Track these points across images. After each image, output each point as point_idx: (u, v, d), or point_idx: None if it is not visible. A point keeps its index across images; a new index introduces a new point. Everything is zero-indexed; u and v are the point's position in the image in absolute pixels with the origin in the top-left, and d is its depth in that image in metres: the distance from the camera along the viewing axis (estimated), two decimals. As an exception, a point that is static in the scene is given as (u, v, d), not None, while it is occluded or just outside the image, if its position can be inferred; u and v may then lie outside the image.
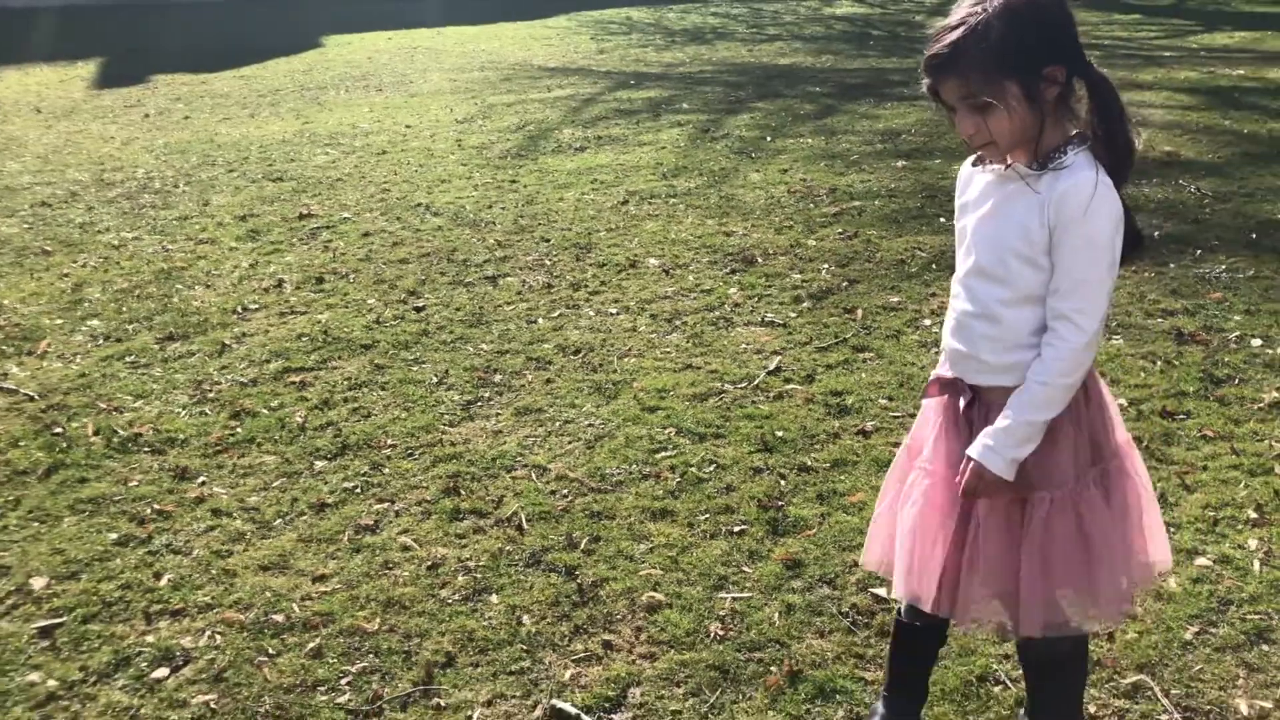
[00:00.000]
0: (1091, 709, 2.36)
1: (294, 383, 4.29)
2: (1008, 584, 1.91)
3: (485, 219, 6.32)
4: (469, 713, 2.49)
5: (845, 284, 4.98)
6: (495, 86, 10.83)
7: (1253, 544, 2.88)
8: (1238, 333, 4.20)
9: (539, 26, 15.95)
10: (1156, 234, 5.34)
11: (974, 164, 1.93)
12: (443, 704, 2.52)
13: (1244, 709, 2.33)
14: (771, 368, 4.14)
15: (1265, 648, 2.52)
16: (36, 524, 3.36)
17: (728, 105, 9.25)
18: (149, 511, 3.41)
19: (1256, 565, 2.79)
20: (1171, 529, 2.95)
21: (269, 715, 2.52)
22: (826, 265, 5.22)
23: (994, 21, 1.75)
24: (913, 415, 2.56)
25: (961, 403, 1.93)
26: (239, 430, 3.92)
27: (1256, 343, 4.10)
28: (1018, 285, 1.84)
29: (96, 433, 3.92)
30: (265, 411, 4.05)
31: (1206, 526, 2.98)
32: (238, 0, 19.37)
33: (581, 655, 2.66)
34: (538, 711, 2.48)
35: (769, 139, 7.90)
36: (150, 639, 2.81)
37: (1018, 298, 1.85)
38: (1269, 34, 11.72)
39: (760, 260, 5.34)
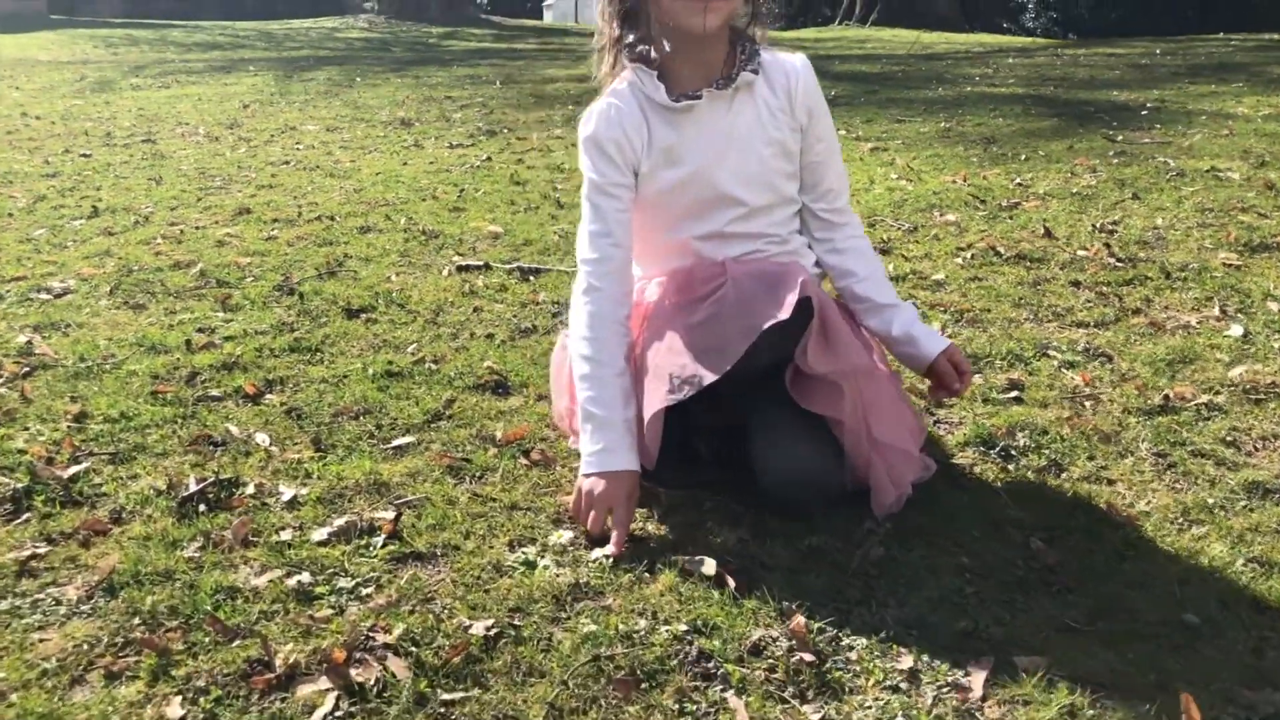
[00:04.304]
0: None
1: (-10, 193, 4.25)
2: None
3: (101, 118, 6.34)
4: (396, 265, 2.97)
5: (504, 129, 5.79)
6: (13, 67, 10.31)
7: (905, 183, 4.13)
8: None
9: (24, 39, 15.08)
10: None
11: (701, 18, 1.60)
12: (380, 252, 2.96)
13: (951, 218, 3.48)
14: (485, 157, 4.84)
15: (934, 213, 3.72)
16: None
17: (295, 66, 9.71)
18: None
19: (910, 190, 4.03)
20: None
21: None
22: (478, 123, 6.00)
23: None
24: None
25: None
26: (-41, 214, 3.87)
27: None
28: (787, 197, 1.76)
29: None
30: (-24, 205, 4.02)
31: (873, 179, 4.19)
32: None
33: (467, 239, 3.22)
34: (447, 269, 3.01)
35: (358, 80, 8.52)
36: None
37: (790, 211, 1.78)
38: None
39: (418, 124, 6.01)
